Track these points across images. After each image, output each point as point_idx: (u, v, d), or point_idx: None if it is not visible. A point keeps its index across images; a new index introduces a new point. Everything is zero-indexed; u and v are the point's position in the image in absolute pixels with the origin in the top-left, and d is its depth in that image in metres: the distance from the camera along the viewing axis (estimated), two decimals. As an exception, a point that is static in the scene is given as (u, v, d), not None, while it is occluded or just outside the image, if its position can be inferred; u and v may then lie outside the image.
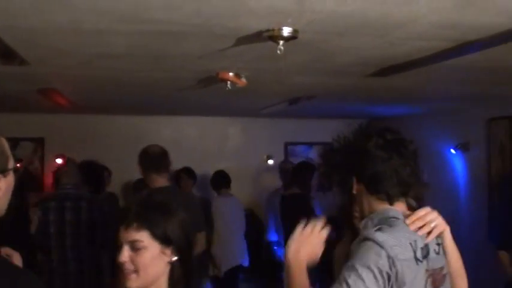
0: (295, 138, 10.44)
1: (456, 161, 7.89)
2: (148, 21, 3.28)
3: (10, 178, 2.29)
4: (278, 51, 3.46)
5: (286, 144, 10.41)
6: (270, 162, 10.03)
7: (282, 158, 10.14)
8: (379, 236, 2.47)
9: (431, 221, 2.59)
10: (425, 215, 2.60)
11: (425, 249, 2.54)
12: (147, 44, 3.92)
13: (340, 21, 3.28)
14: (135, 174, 8.57)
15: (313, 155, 10.44)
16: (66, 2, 2.89)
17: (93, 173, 7.22)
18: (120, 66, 4.79)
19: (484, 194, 7.37)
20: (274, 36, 3.41)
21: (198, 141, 9.79)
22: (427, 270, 2.51)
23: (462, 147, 7.83)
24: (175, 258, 2.52)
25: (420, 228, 2.57)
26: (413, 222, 2.58)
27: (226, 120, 10.10)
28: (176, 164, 8.99)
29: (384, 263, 2.40)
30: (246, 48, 3.93)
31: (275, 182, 10.01)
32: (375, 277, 2.36)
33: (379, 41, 3.81)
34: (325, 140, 10.16)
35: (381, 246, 2.43)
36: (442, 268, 2.60)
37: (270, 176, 10.15)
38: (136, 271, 2.44)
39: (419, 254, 2.50)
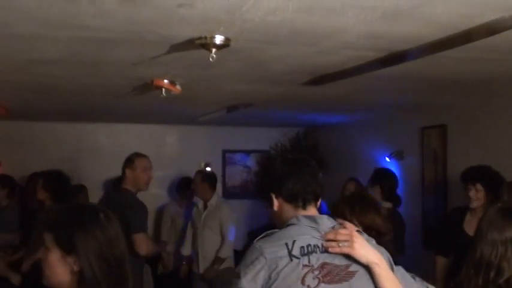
0: (233, 145, 10.45)
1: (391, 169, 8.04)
2: (78, 28, 3.27)
3: None
4: (210, 59, 3.49)
5: (224, 152, 10.43)
6: (208, 170, 10.02)
7: (219, 165, 10.18)
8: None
9: (342, 241, 2.71)
10: (340, 234, 2.74)
11: (309, 248, 2.70)
12: (79, 50, 3.90)
13: (270, 31, 3.33)
14: (72, 181, 8.57)
15: (251, 162, 10.51)
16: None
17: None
18: (54, 72, 4.75)
19: (418, 201, 7.53)
20: (206, 44, 3.44)
21: (135, 149, 9.65)
22: (305, 265, 2.66)
23: (397, 156, 7.96)
24: (77, 268, 2.37)
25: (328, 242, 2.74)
26: (327, 238, 2.74)
27: (163, 128, 10.07)
28: (113, 171, 8.97)
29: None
30: (180, 56, 3.95)
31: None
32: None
33: (309, 50, 3.87)
34: (263, 148, 10.25)
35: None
36: (347, 265, 2.73)
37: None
38: (45, 270, 2.44)
39: (296, 252, 2.68)
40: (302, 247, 2.70)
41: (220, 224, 7.38)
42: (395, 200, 6.62)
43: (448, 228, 5.63)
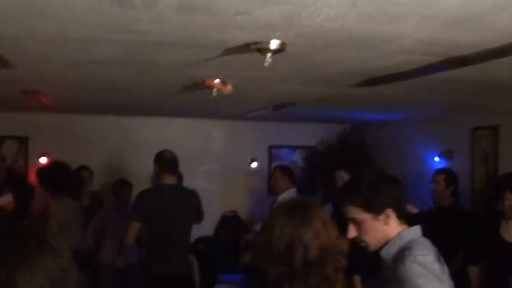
0: (279, 141, 10.39)
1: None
2: (133, 32, 3.26)
3: None
4: (266, 64, 3.45)
5: (270, 148, 10.38)
6: (254, 165, 10.00)
7: (265, 161, 10.15)
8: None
9: None
10: None
11: None
12: (132, 52, 3.90)
13: (328, 36, 3.29)
14: (117, 173, 8.64)
15: (297, 158, 10.44)
16: (50, 13, 2.87)
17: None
18: (107, 71, 4.77)
19: (467, 202, 7.40)
20: (262, 49, 3.41)
21: (181, 143, 9.66)
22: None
23: (446, 156, 7.85)
24: None
25: None
26: None
27: (210, 122, 10.04)
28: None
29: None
30: (233, 58, 3.93)
31: (259, 185, 10.06)
32: None
33: (366, 54, 3.82)
34: (309, 144, 10.18)
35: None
36: None
37: (253, 178, 10.17)
38: None
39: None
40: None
41: None
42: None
43: (481, 234, 5.47)
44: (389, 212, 2.84)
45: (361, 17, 2.86)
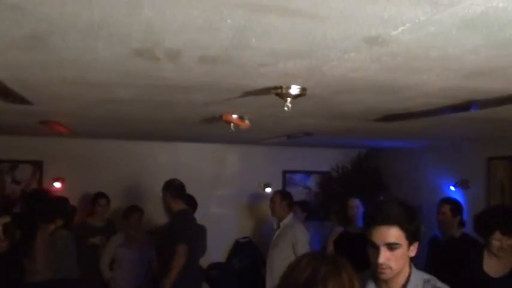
0: (293, 166, 10.35)
1: (456, 198, 7.87)
2: (154, 78, 3.27)
3: None
4: (285, 108, 3.44)
5: (284, 172, 10.35)
6: (268, 190, 9.93)
7: (279, 186, 10.07)
8: None
9: None
10: None
11: None
12: (151, 93, 3.90)
13: (348, 83, 3.28)
14: (129, 199, 8.64)
15: (311, 183, 10.40)
16: (71, 61, 2.87)
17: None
18: (126, 109, 4.78)
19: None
20: (282, 94, 3.40)
21: (195, 168, 9.71)
22: None
23: (462, 185, 7.79)
24: None
25: None
26: None
27: (224, 147, 10.02)
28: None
29: None
30: (252, 99, 3.92)
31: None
32: None
33: (386, 98, 3.81)
34: (323, 169, 10.14)
35: None
36: None
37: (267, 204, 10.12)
38: None
39: None
40: None
41: (293, 245, 7.08)
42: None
43: (466, 266, 4.97)
44: (416, 244, 2.86)
45: (384, 69, 2.84)
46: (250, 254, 9.56)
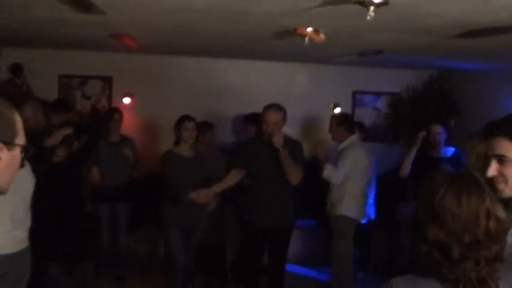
0: (364, 87, 10.10)
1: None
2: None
3: (15, 153, 2.02)
4: (368, 17, 3.30)
5: (354, 93, 10.13)
6: (337, 110, 9.74)
7: (349, 106, 9.89)
8: None
9: None
10: None
11: None
12: (229, 1, 3.79)
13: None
14: (199, 115, 8.60)
15: (381, 104, 10.18)
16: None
17: None
18: (198, 19, 4.69)
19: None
20: (365, 2, 3.25)
21: (264, 86, 9.58)
22: None
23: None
24: None
25: None
26: None
27: (293, 66, 9.82)
28: (239, 108, 8.93)
29: None
30: (331, 9, 3.77)
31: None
32: None
33: (474, 8, 3.61)
34: (394, 90, 9.90)
35: None
36: None
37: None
38: None
39: None
40: None
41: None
42: None
43: None
44: None
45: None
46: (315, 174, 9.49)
